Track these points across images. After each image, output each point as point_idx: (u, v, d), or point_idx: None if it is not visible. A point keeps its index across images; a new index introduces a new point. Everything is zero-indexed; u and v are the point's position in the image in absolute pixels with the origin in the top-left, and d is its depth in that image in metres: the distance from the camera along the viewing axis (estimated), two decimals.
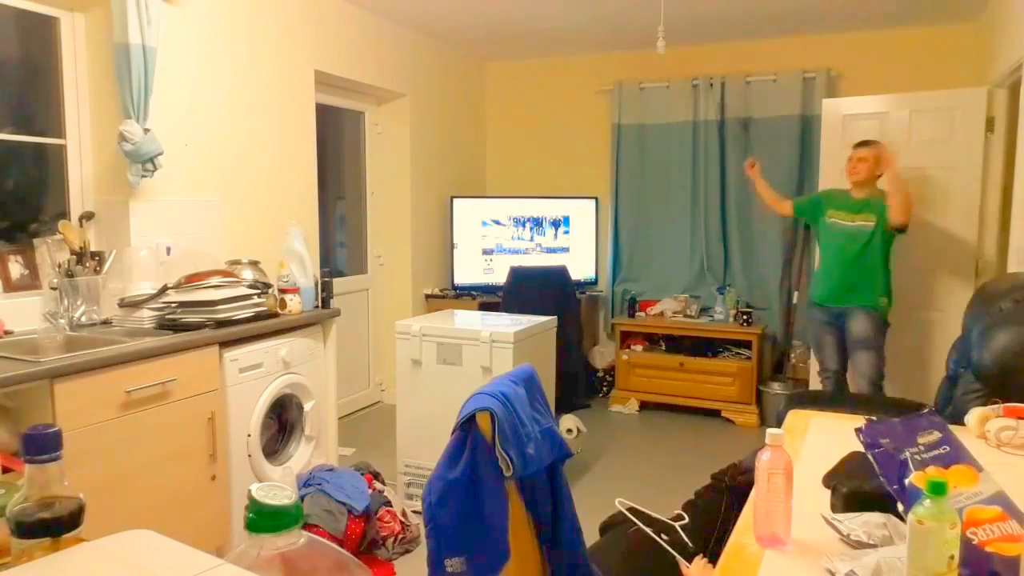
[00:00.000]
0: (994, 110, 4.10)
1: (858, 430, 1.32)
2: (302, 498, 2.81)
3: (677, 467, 3.98)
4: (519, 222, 5.35)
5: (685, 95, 5.23)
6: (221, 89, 3.43)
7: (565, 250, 5.43)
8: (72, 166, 3.01)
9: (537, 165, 5.88)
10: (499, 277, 5.11)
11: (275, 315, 3.01)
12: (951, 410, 2.44)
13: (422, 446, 3.28)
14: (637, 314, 5.22)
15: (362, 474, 3.07)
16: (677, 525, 1.92)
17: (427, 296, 5.23)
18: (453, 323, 3.41)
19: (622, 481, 3.79)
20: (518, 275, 4.64)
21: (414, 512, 3.11)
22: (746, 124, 5.11)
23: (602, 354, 5.52)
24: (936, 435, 1.29)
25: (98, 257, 2.82)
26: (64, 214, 2.98)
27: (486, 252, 5.29)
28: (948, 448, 1.28)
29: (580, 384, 5.07)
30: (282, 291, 3.07)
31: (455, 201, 5.22)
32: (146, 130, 2.85)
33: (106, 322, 2.78)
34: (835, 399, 3.51)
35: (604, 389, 5.42)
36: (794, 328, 5.04)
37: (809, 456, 1.75)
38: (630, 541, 1.93)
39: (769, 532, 1.26)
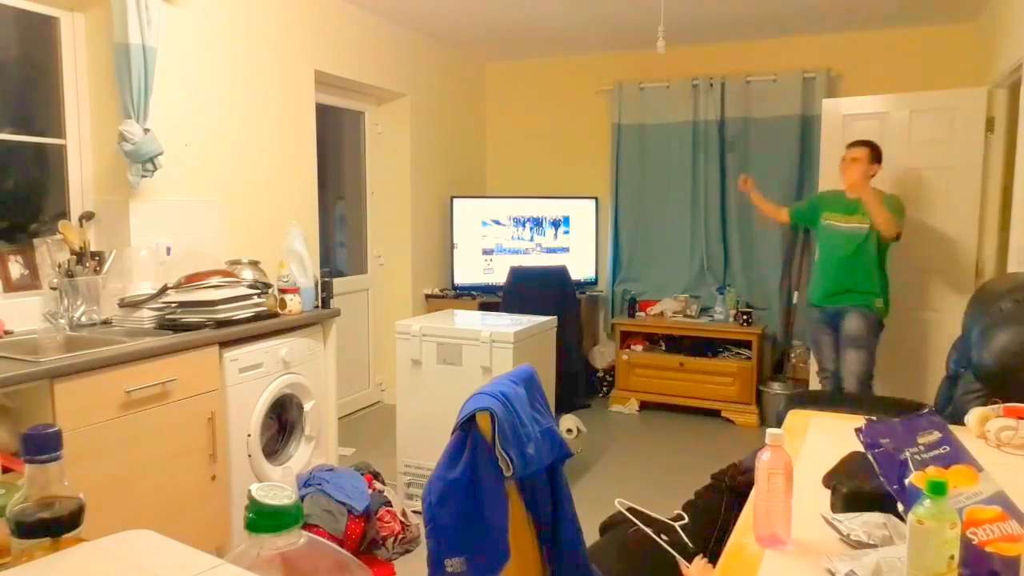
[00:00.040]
0: (994, 110, 4.10)
1: (858, 430, 1.32)
2: (302, 498, 2.81)
3: (677, 467, 3.98)
4: (519, 222, 5.35)
5: (685, 95, 5.23)
6: (221, 89, 3.43)
7: (565, 250, 5.43)
8: (72, 166, 3.01)
9: (537, 165, 5.88)
10: (499, 277, 5.11)
11: (275, 315, 3.01)
12: (951, 410, 2.44)
13: (422, 446, 3.28)
14: (637, 314, 5.22)
15: (362, 474, 3.07)
16: (677, 525, 1.92)
17: (427, 296, 5.23)
18: (453, 323, 3.41)
19: (622, 481, 3.79)
20: (518, 275, 4.64)
21: (414, 512, 3.11)
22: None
23: (602, 354, 5.52)
24: (936, 435, 1.29)
25: (98, 257, 2.82)
26: (64, 214, 2.98)
27: (486, 252, 5.29)
28: (948, 448, 1.28)
29: (580, 384, 5.07)
30: (282, 291, 3.07)
31: (455, 201, 5.22)
32: (146, 130, 2.85)
33: (106, 322, 2.78)
34: (835, 399, 3.51)
35: (604, 389, 5.42)
36: (794, 328, 5.04)
37: (809, 456, 1.75)
38: (630, 541, 1.93)
39: (769, 532, 1.26)
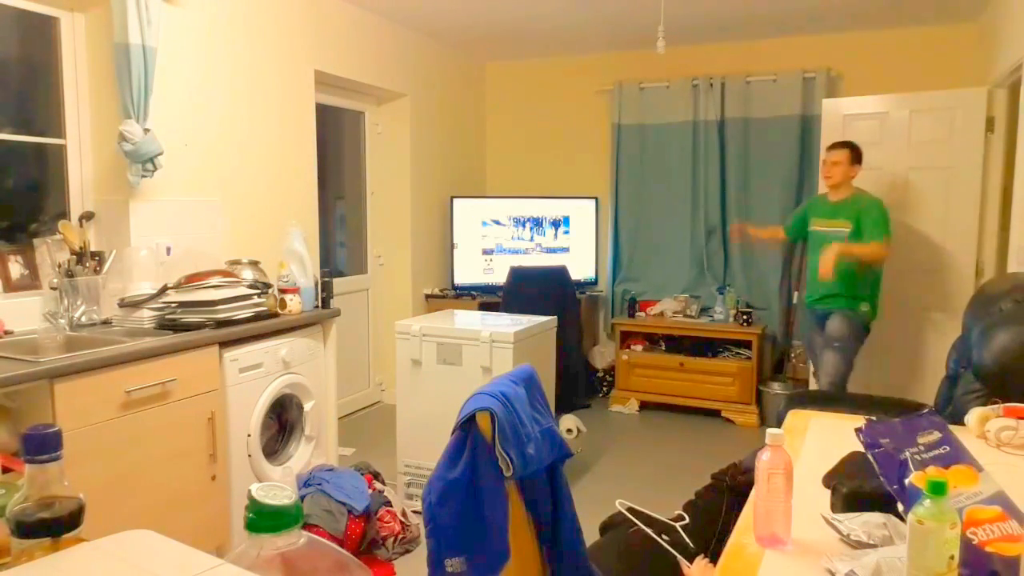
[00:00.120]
0: (994, 110, 4.10)
1: (858, 430, 1.32)
2: (302, 498, 2.81)
3: (677, 467, 3.98)
4: (519, 222, 5.35)
5: (685, 95, 5.23)
6: (221, 89, 3.43)
7: (565, 250, 5.43)
8: (72, 166, 3.01)
9: (537, 165, 5.88)
10: (499, 277, 5.11)
11: (275, 315, 3.01)
12: (951, 410, 2.44)
13: (422, 446, 3.28)
14: (637, 314, 5.22)
15: (362, 474, 3.07)
16: (678, 525, 1.93)
17: (427, 296, 5.23)
18: (453, 323, 3.41)
19: (622, 481, 3.79)
20: (518, 275, 4.65)
21: (414, 512, 3.11)
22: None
23: (602, 354, 5.52)
24: (936, 435, 1.29)
25: (98, 257, 2.82)
26: (64, 214, 2.98)
27: (486, 252, 5.29)
28: (948, 448, 1.28)
29: (580, 384, 5.07)
30: (282, 291, 3.07)
31: (455, 201, 5.22)
32: (146, 130, 2.85)
33: (106, 322, 2.78)
34: (835, 399, 3.51)
35: (604, 389, 5.42)
36: (794, 328, 5.04)
37: (809, 456, 1.75)
38: (630, 541, 1.93)
39: (769, 532, 1.26)
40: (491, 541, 1.52)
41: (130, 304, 2.75)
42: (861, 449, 1.33)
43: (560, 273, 4.77)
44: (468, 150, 5.81)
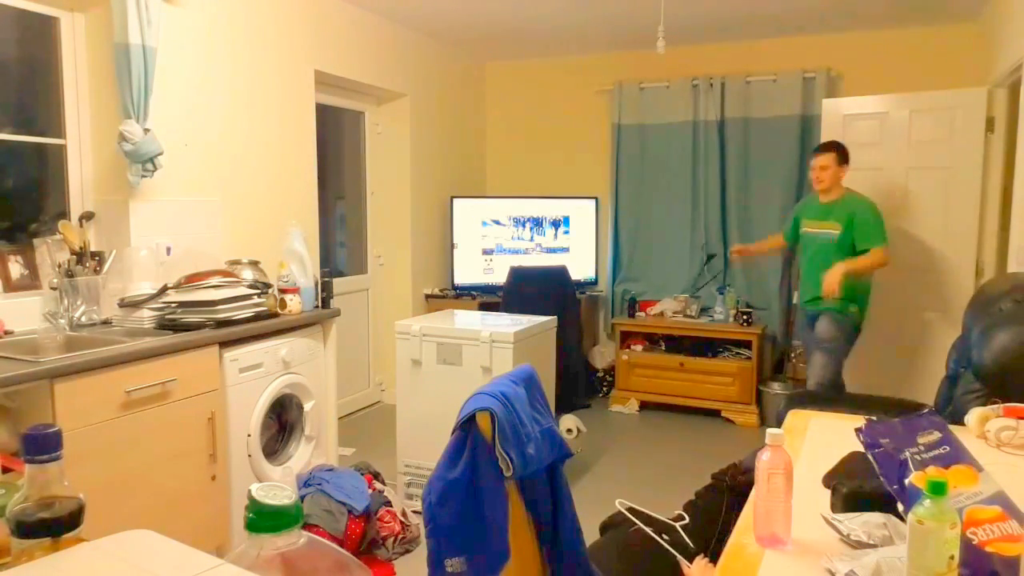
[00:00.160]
0: (994, 110, 4.10)
1: (858, 430, 1.32)
2: (302, 498, 2.81)
3: (677, 467, 3.97)
4: (519, 222, 5.35)
5: (685, 95, 5.23)
6: (221, 89, 3.43)
7: (565, 250, 5.43)
8: (72, 166, 3.01)
9: (537, 165, 5.88)
10: (499, 277, 5.11)
11: (275, 315, 3.01)
12: (951, 410, 2.44)
13: (422, 446, 3.28)
14: (637, 314, 5.22)
15: (362, 474, 3.07)
16: (678, 525, 1.93)
17: (427, 296, 5.23)
18: (453, 323, 3.41)
19: (622, 481, 3.79)
20: (518, 275, 4.64)
21: (414, 512, 3.11)
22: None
23: (602, 354, 5.52)
24: (936, 435, 1.29)
25: (98, 257, 2.82)
26: (64, 214, 2.98)
27: (486, 252, 5.29)
28: (948, 448, 1.28)
29: (580, 384, 5.07)
30: (282, 291, 3.07)
31: (455, 201, 5.22)
32: (146, 130, 2.85)
33: (106, 322, 2.78)
34: (835, 399, 3.51)
35: (604, 389, 5.42)
36: (794, 328, 5.04)
37: (809, 456, 1.75)
38: (630, 541, 1.93)
39: (769, 532, 1.26)
40: (491, 541, 1.52)
41: (130, 304, 2.75)
42: (861, 449, 1.33)
43: (560, 273, 4.77)
44: (468, 150, 5.80)
